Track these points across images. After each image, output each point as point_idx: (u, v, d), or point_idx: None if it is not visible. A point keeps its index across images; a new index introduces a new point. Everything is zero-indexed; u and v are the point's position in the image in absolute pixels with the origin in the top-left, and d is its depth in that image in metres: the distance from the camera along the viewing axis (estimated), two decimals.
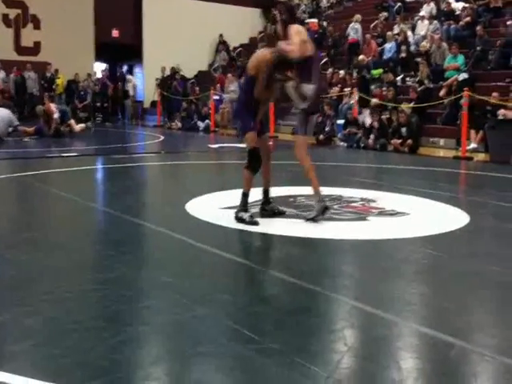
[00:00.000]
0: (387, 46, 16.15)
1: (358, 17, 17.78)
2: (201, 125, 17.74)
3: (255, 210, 5.49)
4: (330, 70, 16.82)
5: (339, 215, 5.59)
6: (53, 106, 14.63)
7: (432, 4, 16.72)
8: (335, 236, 4.91)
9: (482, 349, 2.78)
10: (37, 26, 20.98)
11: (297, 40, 5.02)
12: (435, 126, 13.24)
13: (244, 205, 5.26)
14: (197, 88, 20.26)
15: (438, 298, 3.55)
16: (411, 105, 12.94)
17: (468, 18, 15.21)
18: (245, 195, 5.29)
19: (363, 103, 14.16)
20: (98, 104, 20.95)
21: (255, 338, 2.85)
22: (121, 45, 22.22)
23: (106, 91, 21.22)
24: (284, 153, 13.10)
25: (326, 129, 13.97)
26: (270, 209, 5.51)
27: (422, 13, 16.70)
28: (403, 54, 15.60)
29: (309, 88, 5.21)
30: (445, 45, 14.45)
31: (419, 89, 13.45)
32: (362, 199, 6.41)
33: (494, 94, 11.64)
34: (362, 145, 12.84)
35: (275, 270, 3.96)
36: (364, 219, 5.47)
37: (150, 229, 5.19)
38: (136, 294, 3.48)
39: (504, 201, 6.67)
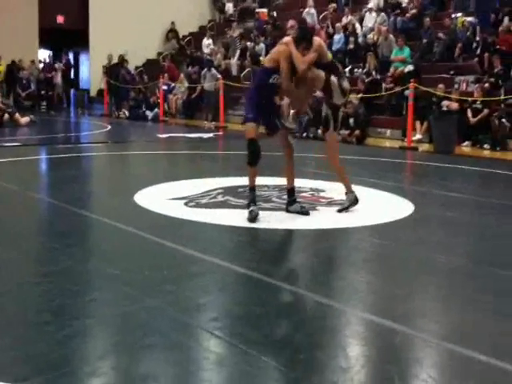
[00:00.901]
0: (336, 37, 16.29)
1: (311, 2, 17.83)
2: (149, 114, 17.52)
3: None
4: None
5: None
6: None
7: None
8: (284, 226, 4.94)
9: (426, 335, 2.85)
10: None
11: (312, 56, 5.07)
12: (382, 117, 13.47)
13: (250, 199, 5.11)
14: (145, 76, 19.96)
15: (385, 286, 3.62)
16: (359, 95, 13.10)
17: (414, 11, 15.50)
18: (250, 190, 5.14)
19: None
20: (43, 92, 20.40)
21: (204, 329, 2.84)
22: (66, 31, 21.65)
23: (50, 79, 20.67)
24: (234, 143, 13.11)
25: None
26: (293, 209, 5.31)
27: (370, 5, 16.90)
28: (351, 46, 15.78)
29: (347, 83, 5.35)
30: (392, 37, 14.68)
31: (367, 80, 13.64)
32: (312, 189, 6.47)
33: (440, 85, 11.91)
34: (312, 135, 12.94)
35: (223, 260, 3.95)
36: (313, 209, 5.51)
37: (97, 220, 5.10)
38: (82, 287, 3.42)
39: (447, 190, 6.85)
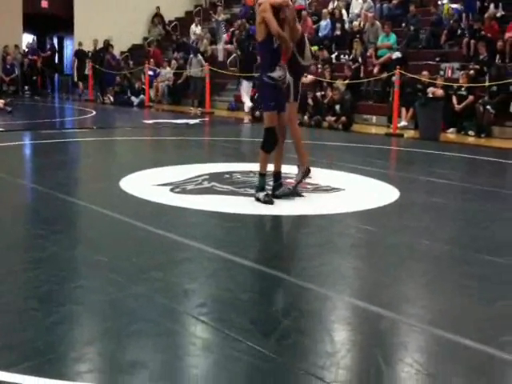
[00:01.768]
0: (323, 23, 16.24)
1: None
2: (135, 100, 17.40)
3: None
4: None
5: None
6: None
7: None
8: (270, 212, 4.95)
9: (411, 320, 2.88)
10: None
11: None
12: (368, 103, 13.49)
13: (261, 186, 5.21)
14: (130, 62, 19.77)
15: (371, 272, 3.65)
16: (346, 81, 13.10)
17: None
18: (261, 175, 5.23)
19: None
20: (31, 77, 20.20)
21: (190, 315, 2.85)
22: (50, 16, 21.35)
23: (34, 64, 20.43)
24: (220, 129, 13.07)
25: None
26: (281, 193, 5.36)
27: None
28: (338, 32, 15.74)
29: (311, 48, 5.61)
30: (378, 23, 14.67)
31: (353, 66, 13.63)
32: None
33: (424, 72, 11.94)
34: (298, 121, 12.92)
35: (209, 246, 3.95)
36: (299, 195, 5.52)
37: (83, 206, 5.07)
38: (69, 274, 3.41)
39: (432, 176, 6.89)
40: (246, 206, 5.06)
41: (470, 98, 11.29)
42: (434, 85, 11.70)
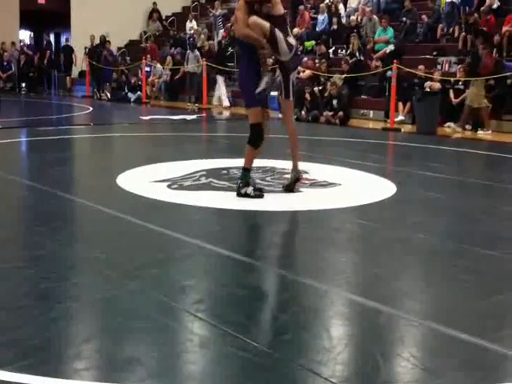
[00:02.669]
0: (320, 18, 16.20)
1: None
2: (132, 96, 17.36)
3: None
4: None
5: (272, 187, 5.63)
6: None
7: None
8: (268, 207, 4.95)
9: (408, 314, 2.89)
10: None
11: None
12: (365, 98, 13.48)
13: (245, 180, 5.16)
14: (127, 58, 19.72)
15: (368, 266, 3.65)
16: (343, 76, 13.09)
17: None
18: (245, 170, 5.19)
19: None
20: (28, 73, 20.16)
21: (188, 312, 2.85)
22: (47, 12, 21.27)
23: (31, 61, 20.38)
24: (217, 125, 13.06)
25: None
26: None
27: None
28: (335, 27, 15.71)
29: (293, 40, 5.22)
30: (375, 18, 14.65)
31: (350, 61, 13.62)
32: None
33: (420, 66, 11.93)
34: (295, 116, 12.91)
35: (207, 242, 3.95)
36: (297, 190, 5.52)
37: (80, 203, 5.07)
38: (66, 271, 3.41)
39: (429, 170, 6.90)
40: (243, 202, 5.05)
41: (467, 91, 11.28)
42: (431, 79, 11.70)
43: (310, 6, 17.26)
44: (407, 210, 5.15)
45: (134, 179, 5.93)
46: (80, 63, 20.71)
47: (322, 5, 16.54)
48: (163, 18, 22.55)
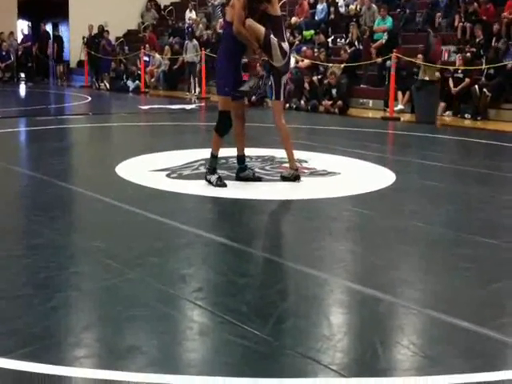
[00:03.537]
0: (319, 7, 16.12)
1: None
2: (130, 85, 17.31)
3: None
4: None
5: (272, 176, 5.62)
6: None
7: None
8: (267, 196, 4.95)
9: (408, 302, 2.89)
10: None
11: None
12: (364, 87, 13.44)
13: (212, 167, 5.15)
14: (126, 47, 19.63)
15: (367, 255, 3.66)
16: (342, 65, 13.05)
17: None
18: (213, 157, 5.17)
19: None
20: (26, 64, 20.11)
21: (187, 300, 2.85)
22: (45, 1, 21.15)
23: (29, 50, 20.31)
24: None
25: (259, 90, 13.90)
26: (244, 176, 5.34)
27: None
28: (333, 16, 15.64)
29: (287, 46, 5.19)
30: (374, 7, 14.58)
31: (349, 50, 13.56)
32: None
33: (419, 56, 11.89)
34: (294, 106, 12.89)
35: (206, 231, 3.95)
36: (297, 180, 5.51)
37: (79, 192, 5.07)
38: (65, 260, 3.41)
39: (428, 159, 6.89)
40: (242, 191, 5.05)
41: (467, 80, 11.25)
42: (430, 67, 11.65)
43: None
44: (406, 199, 5.15)
45: (133, 168, 5.92)
46: (78, 53, 20.62)
47: None
48: (161, 7, 22.43)
